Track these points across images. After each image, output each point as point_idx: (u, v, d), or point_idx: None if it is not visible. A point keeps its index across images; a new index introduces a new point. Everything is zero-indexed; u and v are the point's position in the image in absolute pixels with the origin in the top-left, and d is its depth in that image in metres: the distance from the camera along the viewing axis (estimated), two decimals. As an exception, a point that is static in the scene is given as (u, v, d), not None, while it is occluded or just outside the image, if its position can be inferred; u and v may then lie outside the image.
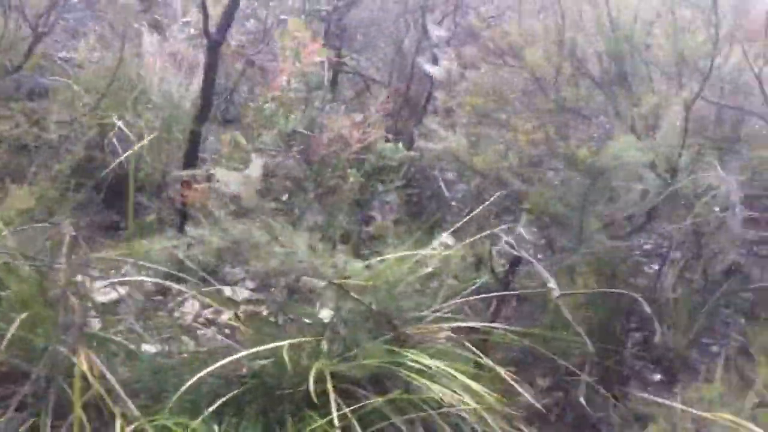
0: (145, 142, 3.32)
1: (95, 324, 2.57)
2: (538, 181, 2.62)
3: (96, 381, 1.92)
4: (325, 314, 2.37)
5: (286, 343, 2.05)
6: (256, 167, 2.49)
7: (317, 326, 2.33)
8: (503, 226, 2.97)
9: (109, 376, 1.92)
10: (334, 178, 3.48)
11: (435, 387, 2.02)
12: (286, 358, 1.97)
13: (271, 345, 2.05)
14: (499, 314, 2.60)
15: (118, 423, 1.83)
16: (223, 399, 2.10)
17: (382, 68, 5.01)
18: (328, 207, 3.56)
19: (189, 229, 2.28)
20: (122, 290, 3.13)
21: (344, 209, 3.58)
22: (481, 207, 2.80)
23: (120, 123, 3.70)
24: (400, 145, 4.32)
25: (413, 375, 2.13)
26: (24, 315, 1.93)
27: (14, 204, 2.29)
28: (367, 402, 2.00)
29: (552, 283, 2.36)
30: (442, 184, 4.36)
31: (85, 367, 1.91)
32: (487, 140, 2.64)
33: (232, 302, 3.33)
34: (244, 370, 2.28)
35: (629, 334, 3.13)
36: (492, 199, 2.85)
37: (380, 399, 2.01)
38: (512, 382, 2.24)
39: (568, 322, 2.78)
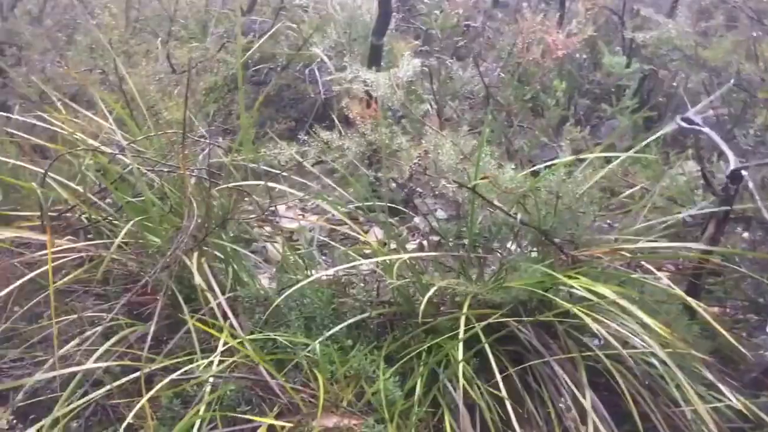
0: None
1: (276, 248, 2.49)
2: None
3: (208, 292, 1.78)
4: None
5: (405, 256, 1.72)
6: (406, 67, 2.15)
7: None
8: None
9: (215, 286, 1.76)
10: (533, 91, 3.01)
11: (589, 319, 1.54)
12: (394, 269, 1.64)
13: (391, 257, 1.73)
14: (718, 240, 1.96)
15: (223, 336, 1.67)
16: (348, 322, 1.83)
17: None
18: (528, 126, 3.11)
19: (322, 133, 2.04)
20: (311, 218, 3.07)
21: (548, 129, 3.09)
22: (704, 102, 2.15)
23: (320, 51, 3.61)
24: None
25: (572, 305, 1.66)
26: (140, 218, 1.86)
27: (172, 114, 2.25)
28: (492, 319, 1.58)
29: (732, 160, 1.70)
30: (686, 101, 3.61)
31: (196, 275, 1.78)
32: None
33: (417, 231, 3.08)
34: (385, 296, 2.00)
35: None
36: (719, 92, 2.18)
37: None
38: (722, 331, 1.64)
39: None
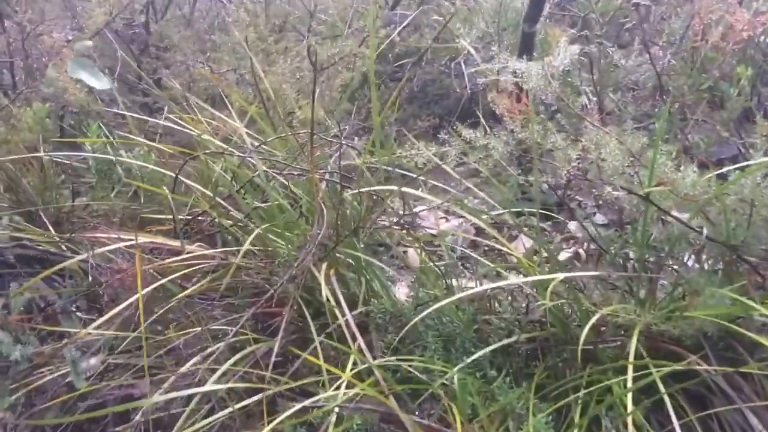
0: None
1: (413, 255, 2.31)
2: None
3: (336, 308, 1.62)
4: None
5: (561, 276, 1.46)
6: (562, 54, 1.88)
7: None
8: None
9: (343, 302, 1.59)
10: (711, 79, 2.61)
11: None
12: (548, 291, 1.38)
13: (547, 276, 1.47)
14: None
15: (346, 373, 1.48)
16: (493, 347, 1.60)
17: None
18: (703, 119, 2.71)
19: (464, 131, 1.81)
20: (454, 222, 2.87)
21: (728, 123, 2.67)
22: None
23: (467, 44, 3.39)
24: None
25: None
26: (267, 225, 1.73)
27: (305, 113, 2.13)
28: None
29: None
30: None
31: (323, 289, 1.62)
32: None
33: (572, 239, 2.78)
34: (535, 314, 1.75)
35: None
36: None
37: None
38: None
39: None
